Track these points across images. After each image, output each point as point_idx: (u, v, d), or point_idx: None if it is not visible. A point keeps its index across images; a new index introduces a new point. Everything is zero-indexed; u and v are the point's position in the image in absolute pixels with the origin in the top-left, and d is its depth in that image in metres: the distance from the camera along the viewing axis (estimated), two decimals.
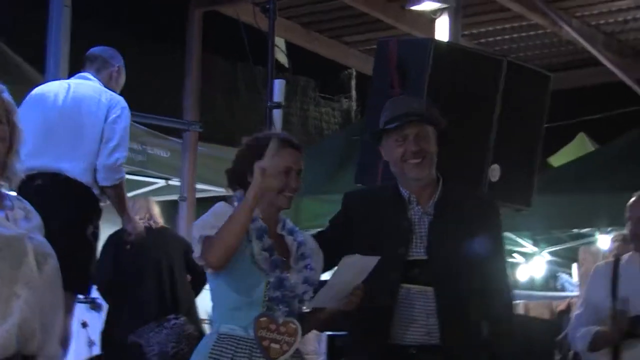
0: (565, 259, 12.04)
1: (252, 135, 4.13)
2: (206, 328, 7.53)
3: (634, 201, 5.29)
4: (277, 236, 4.00)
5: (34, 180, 5.84)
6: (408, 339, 4.13)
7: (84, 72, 6.39)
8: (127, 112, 6.21)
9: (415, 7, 8.79)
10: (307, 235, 4.15)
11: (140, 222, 6.75)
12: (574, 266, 11.16)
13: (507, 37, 11.52)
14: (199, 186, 10.36)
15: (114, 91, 6.33)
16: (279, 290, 3.85)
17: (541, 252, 11.71)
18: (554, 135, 8.37)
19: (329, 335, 6.05)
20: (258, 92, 6.52)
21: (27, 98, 6.25)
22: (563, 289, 12.78)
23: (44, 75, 7.67)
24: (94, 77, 6.33)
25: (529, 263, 11.92)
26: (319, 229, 4.53)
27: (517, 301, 9.44)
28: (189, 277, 7.60)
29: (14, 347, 3.06)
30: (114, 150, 6.07)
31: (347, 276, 3.87)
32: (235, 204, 3.95)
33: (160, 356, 7.15)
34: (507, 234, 9.57)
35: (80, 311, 7.90)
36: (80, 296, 6.59)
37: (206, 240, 3.82)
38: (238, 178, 4.04)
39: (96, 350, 8.35)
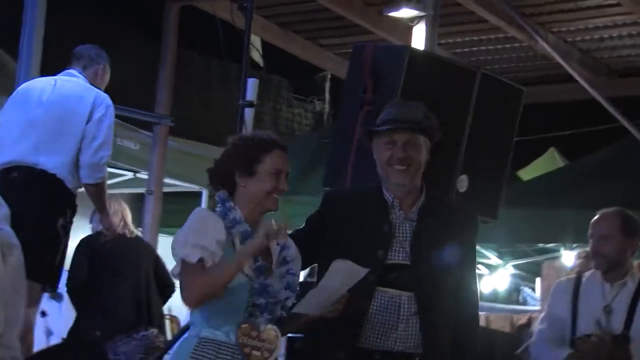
0: (529, 273, 12.10)
1: (238, 135, 4.10)
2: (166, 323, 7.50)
3: (596, 219, 5.31)
4: None
5: (10, 172, 6.01)
6: (378, 343, 4.15)
7: (70, 69, 6.47)
8: (111, 110, 6.30)
9: (393, 14, 8.77)
10: (289, 238, 4.08)
11: (116, 221, 7.00)
12: (538, 280, 11.21)
13: (482, 48, 11.55)
14: (167, 180, 10.34)
15: (99, 89, 6.40)
16: (262, 297, 3.82)
17: (505, 265, 11.76)
18: (524, 149, 8.39)
19: (288, 337, 6.02)
20: (231, 89, 6.52)
21: (14, 93, 6.40)
22: (525, 303, 12.85)
23: (17, 61, 7.64)
24: (80, 74, 6.42)
25: (493, 275, 11.96)
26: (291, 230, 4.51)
27: (480, 313, 9.44)
28: None
29: None
30: (99, 148, 6.18)
31: (336, 282, 3.84)
32: (219, 206, 3.90)
33: None
34: None
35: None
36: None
37: (186, 268, 3.75)
38: (221, 178, 3.97)
39: (54, 340, 8.30)
